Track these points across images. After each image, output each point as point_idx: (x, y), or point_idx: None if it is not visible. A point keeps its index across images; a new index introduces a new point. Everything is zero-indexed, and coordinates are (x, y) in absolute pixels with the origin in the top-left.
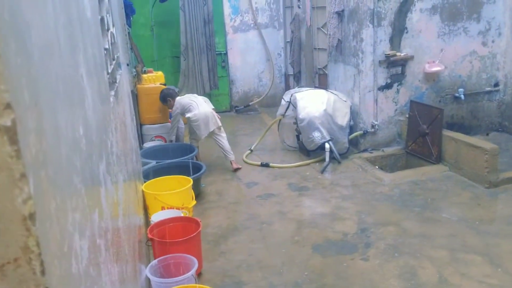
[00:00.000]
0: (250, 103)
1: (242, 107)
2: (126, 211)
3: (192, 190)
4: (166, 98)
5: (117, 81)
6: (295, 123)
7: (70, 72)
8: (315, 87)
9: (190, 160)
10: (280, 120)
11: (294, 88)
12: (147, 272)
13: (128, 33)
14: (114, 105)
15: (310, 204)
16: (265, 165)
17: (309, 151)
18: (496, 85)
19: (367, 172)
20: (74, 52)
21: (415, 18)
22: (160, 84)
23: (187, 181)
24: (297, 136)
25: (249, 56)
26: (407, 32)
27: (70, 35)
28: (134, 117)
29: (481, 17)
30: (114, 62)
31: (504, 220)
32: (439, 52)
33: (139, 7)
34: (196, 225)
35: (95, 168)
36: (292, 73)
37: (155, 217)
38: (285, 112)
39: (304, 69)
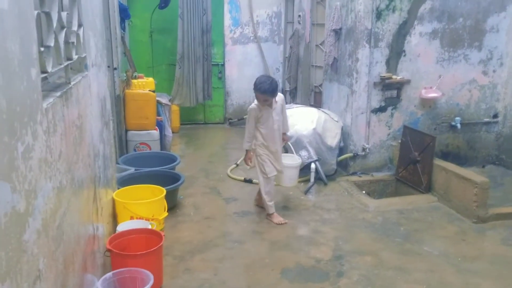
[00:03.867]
0: (244, 117)
1: (236, 120)
2: (62, 219)
3: (166, 202)
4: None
5: (72, 82)
6: None
7: None
8: (310, 105)
9: (169, 170)
10: None
11: (290, 104)
12: (98, 285)
13: (122, 37)
14: (59, 107)
15: (288, 226)
16: (248, 181)
17: None
18: (495, 116)
19: (352, 196)
20: None
21: (414, 41)
22: (150, 90)
23: (161, 192)
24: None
25: (247, 69)
26: (404, 55)
27: None
28: (111, 121)
29: (483, 46)
30: (70, 62)
31: (488, 258)
32: (437, 78)
33: (139, 12)
34: (159, 239)
35: None
36: (288, 89)
37: (121, 227)
38: None
39: (300, 86)
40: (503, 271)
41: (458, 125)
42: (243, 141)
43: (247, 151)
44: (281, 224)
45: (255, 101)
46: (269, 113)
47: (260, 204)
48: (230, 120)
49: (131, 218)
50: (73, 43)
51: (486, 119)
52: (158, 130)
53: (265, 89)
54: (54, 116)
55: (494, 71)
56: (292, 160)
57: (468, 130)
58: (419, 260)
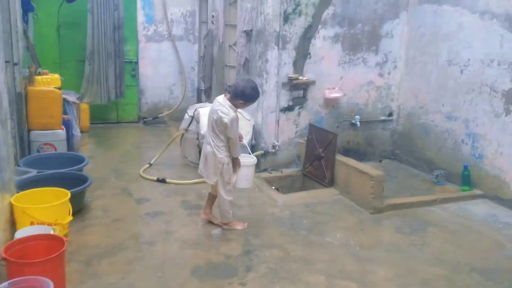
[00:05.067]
0: (160, 115)
1: (151, 118)
2: None
3: (71, 205)
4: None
5: None
6: (198, 138)
7: None
8: None
9: (76, 172)
10: (183, 134)
11: (204, 103)
12: None
13: (24, 30)
14: None
15: (199, 224)
16: (161, 181)
17: None
18: (390, 115)
19: (263, 192)
20: None
21: (318, 44)
22: (55, 87)
23: (65, 195)
24: (199, 152)
25: (162, 67)
26: (310, 58)
27: None
28: (9, 120)
29: (379, 50)
30: None
31: (384, 246)
32: (339, 79)
33: (45, 5)
34: (61, 245)
35: None
36: (203, 88)
37: (19, 234)
38: (188, 127)
39: (215, 85)
40: (397, 257)
41: (358, 123)
42: (236, 151)
43: (237, 158)
44: (245, 228)
45: (232, 108)
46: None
47: (208, 218)
48: (144, 119)
49: (32, 223)
50: None
51: (382, 118)
52: (64, 129)
53: (257, 96)
54: None
55: (389, 73)
56: (247, 159)
57: (367, 127)
58: (321, 250)
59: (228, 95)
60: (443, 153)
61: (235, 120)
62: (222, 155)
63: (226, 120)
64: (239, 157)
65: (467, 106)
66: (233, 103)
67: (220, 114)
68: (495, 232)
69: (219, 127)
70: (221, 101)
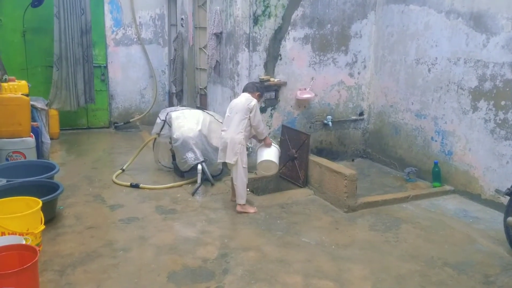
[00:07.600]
0: (131, 120)
1: (122, 123)
2: None
3: (43, 214)
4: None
5: None
6: (171, 142)
7: None
8: (196, 107)
9: (47, 180)
10: (155, 139)
11: (176, 106)
12: None
13: None
14: None
15: (175, 229)
16: (134, 186)
17: (183, 172)
18: (361, 114)
19: None
20: None
21: (288, 46)
22: (22, 94)
23: (36, 203)
24: (173, 156)
25: (132, 71)
26: (281, 59)
27: None
28: None
29: (348, 50)
30: None
31: (358, 244)
32: (310, 80)
33: (9, 10)
34: (33, 255)
35: None
36: (175, 92)
37: None
38: (160, 131)
39: (186, 88)
40: (371, 255)
41: (330, 123)
42: (262, 132)
43: (266, 137)
44: (255, 212)
45: (254, 98)
46: None
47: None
48: (115, 124)
49: (3, 234)
50: None
51: (354, 117)
52: (33, 137)
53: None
54: None
55: (359, 73)
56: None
57: (339, 127)
58: (298, 251)
59: (248, 93)
60: (414, 151)
61: (258, 105)
62: (240, 137)
63: (253, 102)
64: (267, 136)
65: (436, 104)
66: (253, 97)
67: (246, 102)
68: (466, 226)
69: (246, 114)
70: (242, 96)
